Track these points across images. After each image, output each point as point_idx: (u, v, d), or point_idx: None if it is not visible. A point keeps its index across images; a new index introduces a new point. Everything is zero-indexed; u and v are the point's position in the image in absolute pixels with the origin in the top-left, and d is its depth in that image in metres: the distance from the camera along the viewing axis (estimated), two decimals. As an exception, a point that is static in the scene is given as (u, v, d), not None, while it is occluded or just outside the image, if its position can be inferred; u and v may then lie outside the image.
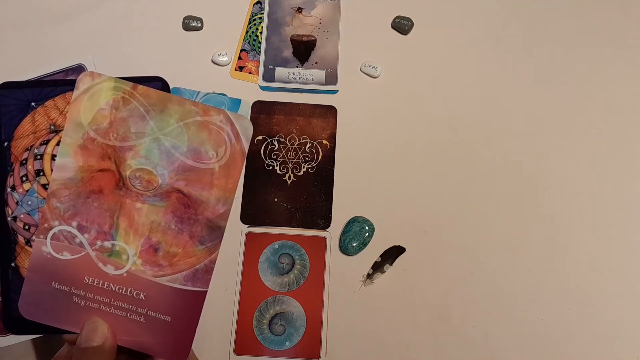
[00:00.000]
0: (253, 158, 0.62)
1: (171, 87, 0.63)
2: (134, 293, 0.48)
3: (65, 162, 0.47)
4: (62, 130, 0.48)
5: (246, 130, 0.49)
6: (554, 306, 0.58)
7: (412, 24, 0.67)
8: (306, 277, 0.58)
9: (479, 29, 0.68)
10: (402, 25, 0.67)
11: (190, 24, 0.67)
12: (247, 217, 0.59)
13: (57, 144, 0.48)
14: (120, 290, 0.48)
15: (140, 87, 0.48)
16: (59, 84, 0.49)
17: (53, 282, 0.47)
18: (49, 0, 0.67)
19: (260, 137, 0.63)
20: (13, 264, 0.48)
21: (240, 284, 0.57)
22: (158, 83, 0.50)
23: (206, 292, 0.48)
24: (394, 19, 0.67)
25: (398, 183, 0.61)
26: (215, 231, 0.49)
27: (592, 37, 0.67)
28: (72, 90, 0.47)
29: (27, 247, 0.48)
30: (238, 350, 0.55)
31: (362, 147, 0.63)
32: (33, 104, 0.49)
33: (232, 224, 0.59)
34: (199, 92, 0.63)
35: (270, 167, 0.61)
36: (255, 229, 0.59)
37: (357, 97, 0.64)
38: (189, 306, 0.49)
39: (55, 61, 0.61)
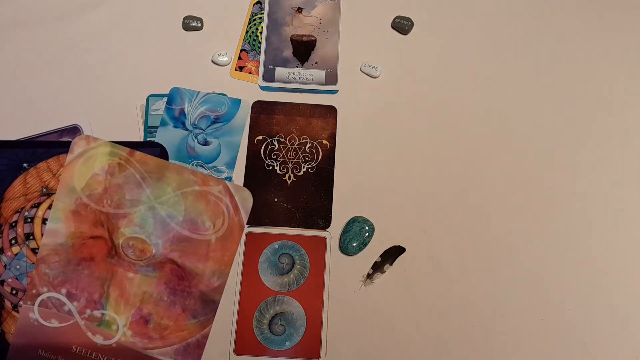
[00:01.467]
0: (253, 158, 0.62)
1: (171, 87, 0.64)
2: None
3: (57, 228, 0.46)
4: (54, 193, 0.47)
5: (245, 201, 0.47)
6: (554, 306, 0.58)
7: (412, 24, 0.67)
8: (306, 277, 0.58)
9: (478, 29, 0.68)
10: (402, 25, 0.67)
11: (190, 24, 0.67)
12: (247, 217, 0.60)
13: (49, 207, 0.47)
14: None
15: (138, 153, 0.47)
16: (53, 146, 0.48)
17: (39, 350, 0.46)
18: (48, 1, 0.67)
19: (260, 137, 0.63)
20: None
21: (240, 284, 0.57)
22: (156, 149, 0.48)
23: None
24: (394, 19, 0.67)
25: (398, 183, 0.61)
26: (209, 305, 0.48)
27: (592, 37, 0.67)
28: (66, 152, 0.46)
29: (14, 313, 0.47)
30: (238, 350, 0.55)
31: (362, 147, 0.63)
32: (25, 164, 0.47)
33: (232, 224, 0.59)
34: (198, 92, 0.63)
35: (270, 167, 0.61)
36: (255, 229, 0.59)
37: (357, 97, 0.64)
38: None
39: (50, 118, 0.57)
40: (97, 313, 0.46)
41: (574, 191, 0.61)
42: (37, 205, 0.47)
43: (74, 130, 0.48)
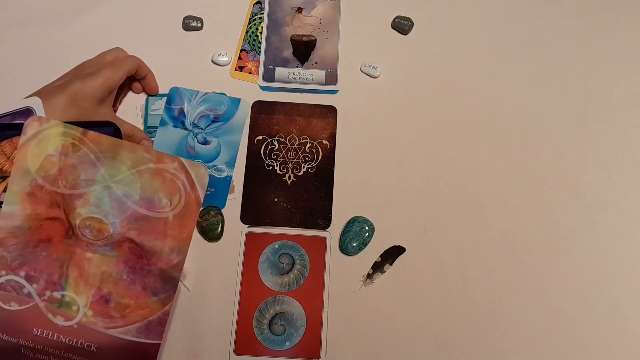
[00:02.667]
0: (253, 158, 0.62)
1: (171, 87, 0.64)
2: (85, 345, 0.46)
3: (13, 210, 0.46)
4: (8, 176, 0.46)
5: (202, 178, 0.47)
6: (554, 306, 0.58)
7: (412, 24, 0.67)
8: (306, 277, 0.58)
9: (478, 29, 0.68)
10: (402, 25, 0.67)
11: (190, 24, 0.67)
12: (247, 217, 0.59)
13: (4, 190, 0.47)
14: (71, 342, 0.46)
15: (91, 132, 0.46)
16: (6, 128, 0.47)
17: (0, 334, 0.46)
18: (48, 1, 0.67)
19: (260, 137, 0.63)
20: None
21: (240, 284, 0.57)
22: (110, 128, 0.48)
23: (159, 344, 0.47)
24: (394, 19, 0.67)
25: (398, 183, 0.61)
26: (169, 282, 0.47)
27: (592, 37, 0.67)
28: (19, 135, 0.45)
29: None
30: (238, 350, 0.55)
31: (362, 147, 0.63)
32: None
33: (232, 224, 0.59)
34: (198, 91, 0.63)
35: (270, 167, 0.61)
36: (255, 229, 0.59)
37: (357, 97, 0.64)
38: (142, 358, 0.47)
39: (9, 96, 0.58)
40: (57, 294, 0.46)
41: (574, 191, 0.61)
42: None
43: (27, 113, 0.48)
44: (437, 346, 0.56)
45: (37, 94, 0.52)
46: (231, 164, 0.61)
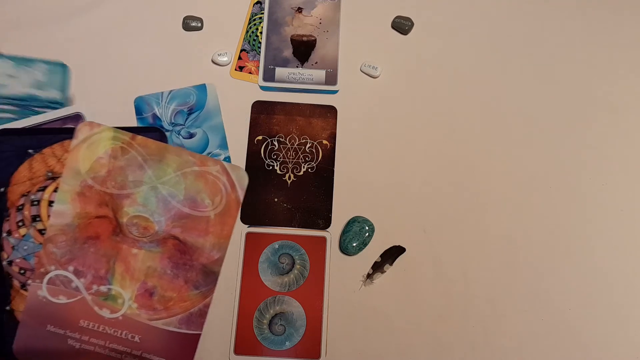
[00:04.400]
0: (253, 158, 0.62)
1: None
2: (129, 336, 0.49)
3: (63, 209, 0.48)
4: (59, 177, 0.49)
5: (241, 180, 0.51)
6: (554, 306, 0.58)
7: (412, 24, 0.67)
8: (306, 277, 0.58)
9: (478, 29, 0.68)
10: (402, 25, 0.67)
11: (190, 24, 0.67)
12: (247, 217, 0.59)
13: (55, 190, 0.49)
14: (116, 333, 0.49)
15: (139, 137, 0.50)
16: (57, 132, 0.50)
17: (48, 325, 0.48)
18: (48, 1, 0.67)
19: (260, 137, 0.63)
20: (8, 308, 0.48)
21: (240, 284, 0.57)
22: (156, 133, 0.50)
23: (200, 335, 0.50)
24: (394, 19, 0.67)
25: (398, 183, 0.61)
26: (209, 276, 0.50)
27: (592, 37, 0.67)
28: (70, 138, 0.49)
29: (22, 291, 0.48)
30: (238, 350, 0.55)
31: (362, 147, 0.63)
32: (30, 150, 0.49)
33: (232, 224, 0.59)
34: (162, 92, 0.63)
35: (270, 167, 0.61)
36: (255, 229, 0.59)
37: (357, 97, 0.64)
38: (183, 348, 0.49)
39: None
40: (103, 288, 0.49)
41: (574, 191, 0.61)
42: (42, 189, 0.50)
43: (77, 118, 0.50)
44: (437, 346, 0.56)
45: None
46: (224, 145, 0.61)
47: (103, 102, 0.61)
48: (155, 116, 0.62)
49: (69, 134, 0.49)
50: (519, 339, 0.57)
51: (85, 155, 0.49)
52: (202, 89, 0.63)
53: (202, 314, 0.50)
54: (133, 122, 0.61)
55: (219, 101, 0.63)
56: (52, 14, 0.67)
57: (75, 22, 0.66)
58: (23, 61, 0.56)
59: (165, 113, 0.62)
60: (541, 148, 0.63)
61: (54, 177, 0.49)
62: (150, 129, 0.51)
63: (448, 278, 0.58)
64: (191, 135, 0.61)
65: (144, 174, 0.49)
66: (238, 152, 0.62)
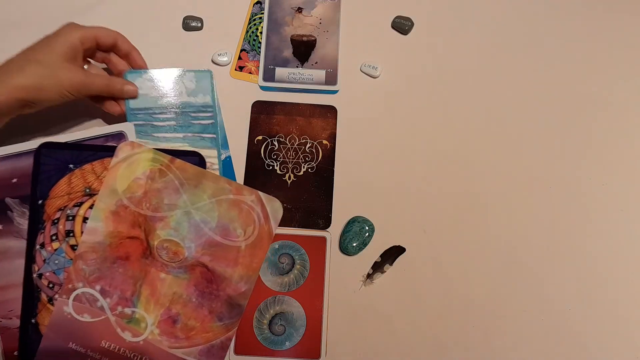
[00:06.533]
0: (253, 158, 0.62)
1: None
2: None
3: (96, 226, 0.48)
4: (96, 194, 0.49)
5: (276, 212, 0.51)
6: (554, 306, 0.58)
7: (412, 24, 0.67)
8: (306, 277, 0.58)
9: (478, 29, 0.68)
10: (402, 25, 0.67)
11: (190, 24, 0.67)
12: (247, 217, 0.60)
13: (90, 207, 0.49)
14: (136, 358, 0.48)
15: (178, 160, 0.50)
16: (99, 149, 0.50)
17: (70, 343, 0.48)
18: (48, 1, 0.67)
19: (260, 137, 0.63)
20: (33, 320, 0.48)
21: (240, 284, 0.57)
22: (195, 158, 0.50)
23: None
24: (394, 19, 0.67)
25: (398, 183, 0.61)
26: (234, 309, 0.50)
27: (592, 37, 0.67)
28: (111, 156, 0.49)
29: (49, 305, 0.48)
30: (238, 350, 0.55)
31: (362, 147, 0.63)
32: (71, 165, 0.50)
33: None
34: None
35: (270, 167, 0.61)
36: (255, 229, 0.59)
37: (357, 97, 0.65)
38: None
39: (97, 126, 0.59)
40: (127, 310, 0.48)
41: (574, 191, 0.61)
42: (79, 205, 0.50)
43: (119, 136, 0.50)
44: (437, 346, 0.56)
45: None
46: (225, 146, 0.61)
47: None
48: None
49: (110, 151, 0.49)
50: (519, 339, 0.57)
51: (124, 174, 0.49)
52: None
53: (224, 347, 0.49)
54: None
55: (218, 100, 0.63)
56: (52, 14, 0.67)
57: (75, 22, 0.66)
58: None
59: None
60: (541, 148, 0.63)
61: (91, 193, 0.49)
62: (191, 153, 0.51)
63: (448, 278, 0.58)
64: None
65: (179, 198, 0.49)
66: (238, 152, 0.62)
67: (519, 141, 0.63)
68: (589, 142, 0.63)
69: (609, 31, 0.68)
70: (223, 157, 0.60)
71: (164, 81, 0.60)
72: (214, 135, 0.59)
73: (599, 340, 0.57)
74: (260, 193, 0.49)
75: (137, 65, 0.60)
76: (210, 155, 0.57)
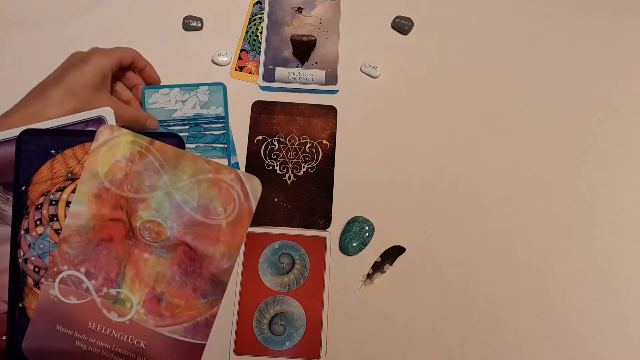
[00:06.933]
0: (253, 158, 0.62)
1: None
2: (135, 341, 0.49)
3: (79, 210, 0.49)
4: (78, 178, 0.50)
5: (255, 190, 0.51)
6: (554, 306, 0.58)
7: (412, 24, 0.67)
8: (306, 277, 0.58)
9: (478, 29, 0.68)
10: (402, 25, 0.67)
11: (190, 24, 0.67)
12: (247, 217, 0.60)
13: (73, 191, 0.50)
14: (122, 338, 0.49)
15: (157, 142, 0.50)
16: (79, 134, 0.50)
17: (57, 325, 0.48)
18: (48, 1, 0.67)
19: (260, 137, 0.63)
20: (20, 305, 0.49)
21: (240, 284, 0.57)
22: (174, 139, 0.51)
23: (205, 345, 0.50)
24: (394, 19, 0.67)
25: (398, 183, 0.61)
26: (218, 286, 0.50)
27: (592, 37, 0.67)
28: (91, 141, 0.49)
29: (35, 289, 0.49)
30: (238, 350, 0.55)
31: (362, 147, 0.63)
32: (53, 151, 0.50)
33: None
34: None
35: (270, 167, 0.61)
36: (255, 229, 0.59)
37: (357, 97, 0.65)
38: (187, 357, 0.49)
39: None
40: (113, 291, 0.49)
41: (574, 191, 0.61)
42: (62, 189, 0.50)
43: (99, 121, 0.51)
44: (437, 346, 0.56)
45: (35, 90, 0.52)
46: (233, 151, 0.61)
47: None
48: None
49: (90, 136, 0.50)
50: (519, 339, 0.57)
51: (104, 157, 0.49)
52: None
53: (209, 323, 0.50)
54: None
55: (227, 108, 0.63)
56: (52, 14, 0.67)
57: (76, 22, 0.67)
58: (188, 87, 0.62)
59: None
60: (541, 148, 0.63)
61: (73, 178, 0.50)
62: (169, 135, 0.52)
63: (448, 278, 0.58)
64: None
65: (159, 179, 0.50)
66: (238, 152, 0.62)
67: (519, 141, 0.63)
68: (589, 142, 0.63)
69: (609, 31, 0.68)
70: (232, 162, 0.61)
71: (178, 95, 0.62)
72: (225, 145, 0.61)
73: (599, 340, 0.57)
74: (239, 171, 0.50)
75: (152, 80, 0.62)
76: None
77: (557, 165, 0.62)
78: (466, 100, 0.64)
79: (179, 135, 0.52)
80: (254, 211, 0.50)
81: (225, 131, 0.61)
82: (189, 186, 0.50)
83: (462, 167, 0.62)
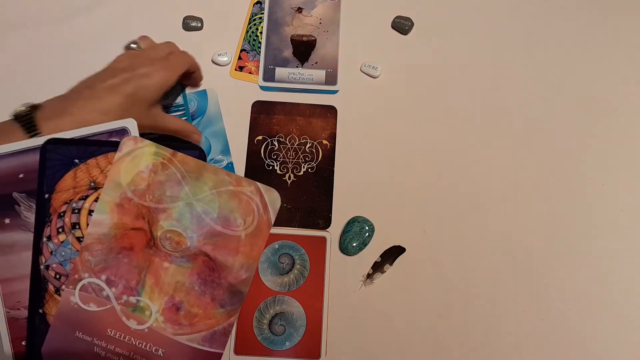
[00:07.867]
0: (253, 158, 0.62)
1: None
2: (153, 349, 0.50)
3: (102, 219, 0.50)
4: (101, 187, 0.50)
5: (274, 202, 0.52)
6: (554, 306, 0.58)
7: (412, 24, 0.67)
8: (306, 277, 0.58)
9: (479, 30, 0.68)
10: (402, 25, 0.67)
11: (190, 24, 0.67)
12: (247, 217, 0.60)
13: (95, 200, 0.51)
14: (140, 345, 0.49)
15: (179, 154, 0.51)
16: (103, 144, 0.51)
17: (77, 332, 0.49)
18: (48, 1, 0.67)
19: (260, 137, 0.63)
20: (41, 311, 0.49)
21: (240, 284, 0.57)
22: (196, 152, 0.52)
23: (222, 353, 0.50)
24: (394, 19, 0.67)
25: (398, 183, 0.61)
26: (236, 296, 0.51)
27: (593, 38, 0.67)
28: (115, 151, 0.50)
29: (55, 296, 0.50)
30: (238, 350, 0.55)
31: (362, 147, 0.63)
32: (76, 160, 0.51)
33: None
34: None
35: (270, 167, 0.61)
36: (255, 229, 0.59)
37: (357, 97, 0.65)
38: None
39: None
40: (132, 299, 0.50)
41: (574, 191, 0.61)
42: (84, 198, 0.51)
43: (123, 132, 0.52)
44: (437, 346, 0.56)
45: (88, 93, 0.52)
46: (226, 151, 0.61)
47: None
48: None
49: (114, 146, 0.51)
50: (519, 339, 0.57)
51: (127, 168, 0.50)
52: (202, 94, 0.64)
53: (226, 332, 0.51)
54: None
55: (220, 106, 0.63)
56: (52, 14, 0.67)
57: (76, 22, 0.66)
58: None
59: None
60: (541, 148, 0.63)
61: (96, 187, 0.51)
62: (192, 147, 0.53)
63: (448, 278, 0.58)
64: None
65: (181, 190, 0.51)
66: (238, 152, 0.62)
67: (519, 141, 0.63)
68: (589, 142, 0.63)
69: (609, 31, 0.68)
70: (225, 163, 0.61)
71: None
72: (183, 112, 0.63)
73: (599, 340, 0.57)
74: (259, 184, 0.51)
75: (196, 83, 0.63)
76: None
77: (557, 165, 0.62)
78: (466, 100, 0.64)
79: (200, 148, 0.53)
80: (272, 223, 0.52)
81: (183, 111, 0.63)
82: (209, 197, 0.51)
83: (462, 167, 0.62)
